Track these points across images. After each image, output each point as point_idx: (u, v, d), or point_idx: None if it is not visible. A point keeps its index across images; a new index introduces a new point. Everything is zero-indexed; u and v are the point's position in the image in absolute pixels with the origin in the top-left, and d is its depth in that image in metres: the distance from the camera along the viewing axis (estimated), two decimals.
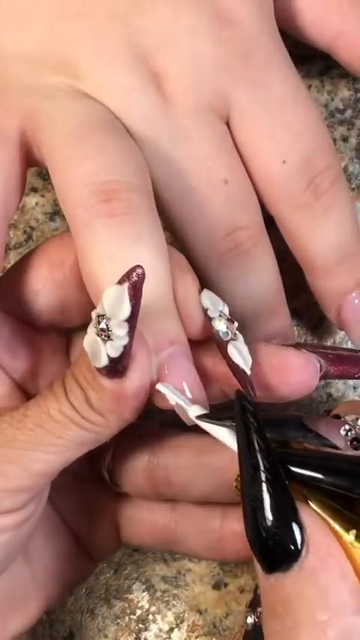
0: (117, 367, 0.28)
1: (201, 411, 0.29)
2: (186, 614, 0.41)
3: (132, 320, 0.27)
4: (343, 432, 0.29)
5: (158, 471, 0.36)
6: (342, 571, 0.25)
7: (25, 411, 0.31)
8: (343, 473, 0.25)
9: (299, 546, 0.25)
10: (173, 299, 0.31)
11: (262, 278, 0.36)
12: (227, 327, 0.30)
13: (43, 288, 0.34)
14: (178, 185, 0.34)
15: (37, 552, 0.36)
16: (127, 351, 0.28)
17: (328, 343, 0.42)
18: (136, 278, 0.27)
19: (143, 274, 0.27)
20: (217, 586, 0.41)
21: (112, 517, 0.38)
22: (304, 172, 0.35)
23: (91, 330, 0.28)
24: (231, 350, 0.30)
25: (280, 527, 0.25)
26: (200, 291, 0.32)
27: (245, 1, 0.34)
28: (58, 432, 0.30)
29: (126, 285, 0.27)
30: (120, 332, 0.27)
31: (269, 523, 0.25)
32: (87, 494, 0.38)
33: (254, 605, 0.32)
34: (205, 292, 0.31)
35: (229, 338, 0.30)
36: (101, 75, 0.34)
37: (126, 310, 0.27)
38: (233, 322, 0.31)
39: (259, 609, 0.31)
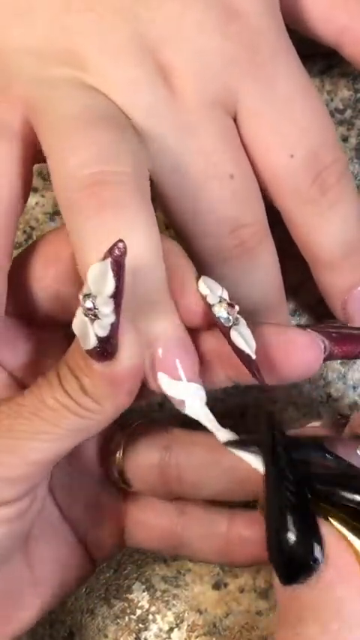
0: (106, 348, 0.29)
1: (229, 437, 0.30)
2: (186, 614, 0.41)
3: (117, 296, 0.27)
4: None
5: (170, 468, 0.36)
6: (358, 584, 0.25)
7: (22, 401, 0.31)
8: None
9: (319, 560, 0.25)
10: (167, 289, 0.31)
11: (264, 276, 0.36)
12: (228, 313, 0.30)
13: (40, 283, 0.34)
14: (183, 180, 0.34)
15: (39, 554, 0.36)
16: (114, 329, 0.28)
17: None
18: (117, 252, 0.27)
19: (125, 248, 0.27)
20: (217, 586, 0.41)
21: (118, 519, 0.38)
22: (310, 167, 0.35)
23: (79, 312, 0.28)
24: (234, 336, 0.30)
25: (301, 540, 0.25)
26: (198, 279, 0.31)
27: None
28: (55, 420, 0.30)
29: (109, 260, 0.27)
30: (106, 309, 0.27)
31: (291, 536, 0.25)
32: (93, 495, 0.38)
33: None
34: (203, 278, 0.31)
35: (230, 324, 0.30)
36: (107, 68, 0.33)
37: (110, 286, 0.27)
38: (234, 307, 0.30)
39: None
